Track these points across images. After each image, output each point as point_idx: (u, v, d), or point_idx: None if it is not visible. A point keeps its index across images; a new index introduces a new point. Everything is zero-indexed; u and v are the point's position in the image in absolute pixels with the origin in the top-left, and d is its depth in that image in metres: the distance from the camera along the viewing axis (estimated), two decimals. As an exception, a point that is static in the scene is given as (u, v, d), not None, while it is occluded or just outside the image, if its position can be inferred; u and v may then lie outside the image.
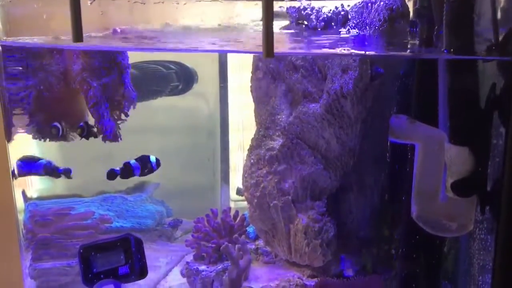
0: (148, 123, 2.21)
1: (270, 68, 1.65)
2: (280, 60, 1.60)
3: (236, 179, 2.39)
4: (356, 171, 1.65)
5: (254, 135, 1.70)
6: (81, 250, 1.03)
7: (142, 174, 1.60)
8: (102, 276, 0.99)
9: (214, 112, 2.46)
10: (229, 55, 2.30)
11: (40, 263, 1.65)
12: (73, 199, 1.90)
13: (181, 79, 2.33)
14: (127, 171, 1.54)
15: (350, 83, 1.43)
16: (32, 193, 1.81)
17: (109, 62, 1.38)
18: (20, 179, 1.71)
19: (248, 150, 1.71)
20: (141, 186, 2.27)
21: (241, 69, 2.22)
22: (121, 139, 1.41)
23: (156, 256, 2.07)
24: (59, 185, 1.88)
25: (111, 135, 1.30)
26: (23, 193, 1.74)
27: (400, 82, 1.47)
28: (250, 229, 1.99)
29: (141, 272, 1.01)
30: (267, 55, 0.75)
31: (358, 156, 1.62)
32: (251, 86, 1.77)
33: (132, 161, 1.57)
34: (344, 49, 1.26)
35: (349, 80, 1.43)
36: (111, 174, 1.52)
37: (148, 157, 1.60)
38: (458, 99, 0.81)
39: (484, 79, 0.79)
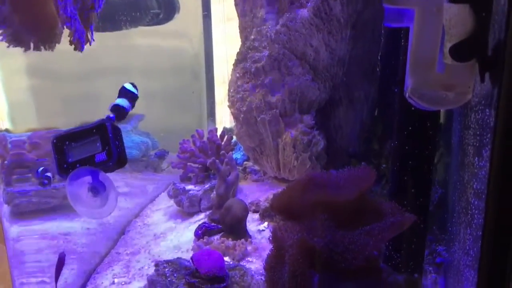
0: (131, 63, 2.13)
1: (255, -23, 1.55)
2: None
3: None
4: (345, 84, 1.59)
5: (239, 48, 1.62)
6: (55, 141, 0.96)
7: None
8: (78, 165, 0.94)
9: (198, 50, 2.39)
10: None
11: (13, 187, 1.61)
12: (55, 130, 1.85)
13: (162, 6, 2.23)
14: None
15: (339, -20, 1.34)
16: (6, 125, 1.76)
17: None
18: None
19: (233, 64, 1.63)
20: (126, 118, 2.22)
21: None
22: (93, 40, 1.27)
23: (143, 184, 2.03)
24: (35, 121, 1.82)
25: (82, 39, 1.19)
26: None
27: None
28: (238, 155, 1.95)
29: (120, 159, 0.95)
30: None
31: (347, 67, 1.56)
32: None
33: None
34: None
35: (339, -23, 1.34)
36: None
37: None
38: None
39: None
